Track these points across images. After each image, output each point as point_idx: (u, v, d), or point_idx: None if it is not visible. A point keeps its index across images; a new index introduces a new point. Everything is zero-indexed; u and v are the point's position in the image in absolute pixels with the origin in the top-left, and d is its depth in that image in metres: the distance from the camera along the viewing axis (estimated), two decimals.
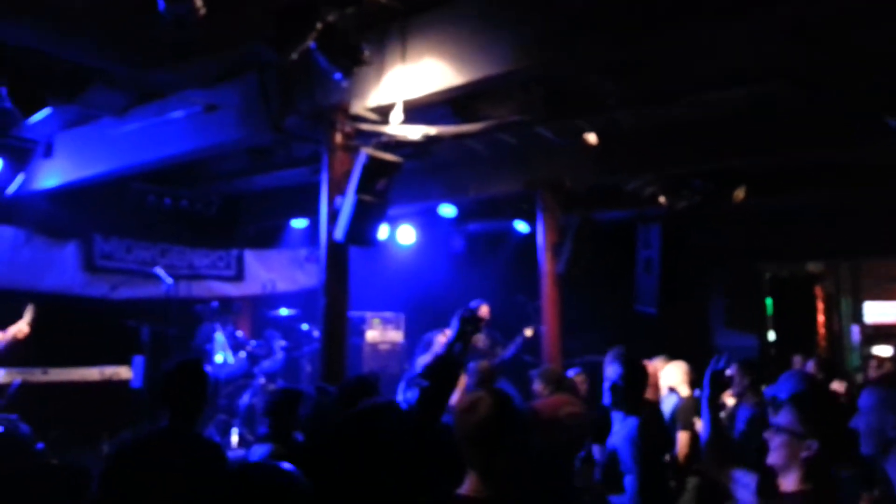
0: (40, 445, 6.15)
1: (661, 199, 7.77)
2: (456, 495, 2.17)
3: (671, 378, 5.72)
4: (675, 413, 5.15)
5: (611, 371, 3.98)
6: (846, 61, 5.19)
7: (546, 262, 7.57)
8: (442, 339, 8.36)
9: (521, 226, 9.47)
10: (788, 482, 2.33)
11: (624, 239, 8.70)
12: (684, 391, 5.61)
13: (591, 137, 6.28)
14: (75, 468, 3.27)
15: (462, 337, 2.74)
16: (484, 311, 8.73)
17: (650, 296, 8.10)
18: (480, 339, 8.45)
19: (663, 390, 5.55)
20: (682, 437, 4.93)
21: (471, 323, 2.81)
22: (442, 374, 2.66)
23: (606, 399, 3.87)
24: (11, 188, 7.92)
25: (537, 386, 5.03)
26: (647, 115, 6.61)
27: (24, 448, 5.90)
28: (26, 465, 5.62)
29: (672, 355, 6.37)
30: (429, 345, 8.43)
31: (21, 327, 6.13)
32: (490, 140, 7.31)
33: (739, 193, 7.69)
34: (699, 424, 5.58)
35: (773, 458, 2.36)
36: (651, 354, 6.47)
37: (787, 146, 6.66)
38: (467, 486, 2.18)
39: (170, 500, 2.91)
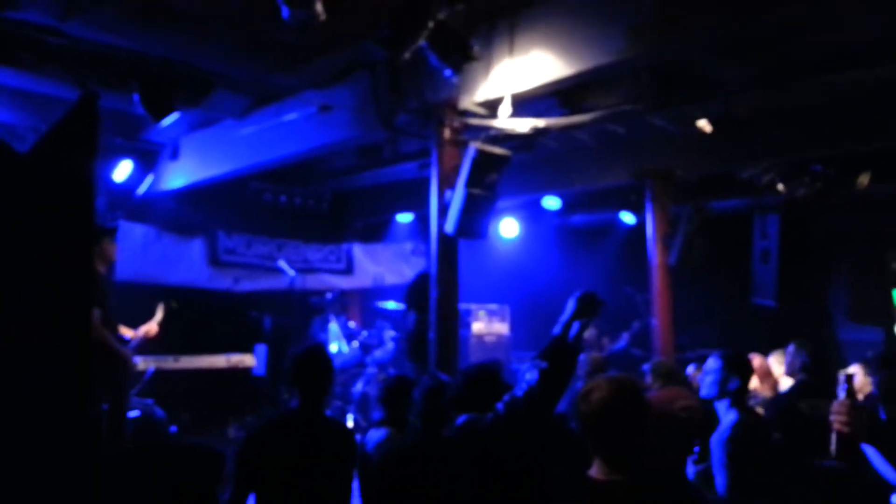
0: (173, 428, 6.59)
1: (780, 187, 7.43)
2: (586, 477, 2.22)
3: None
4: None
5: (712, 363, 3.86)
6: None
7: (656, 254, 7.40)
8: None
9: (628, 217, 9.29)
10: None
11: (738, 229, 8.38)
12: None
13: (705, 124, 6.06)
14: (210, 449, 3.50)
15: (577, 317, 2.66)
16: None
17: (768, 288, 7.78)
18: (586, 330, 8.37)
19: (783, 381, 5.36)
20: None
21: (586, 304, 2.70)
22: (559, 355, 2.63)
23: (708, 390, 3.72)
24: (141, 189, 8.49)
25: (648, 380, 4.96)
26: (764, 100, 6.33)
27: (160, 431, 6.33)
28: (163, 446, 6.02)
29: None
30: None
31: (152, 326, 6.41)
32: (596, 130, 7.19)
33: (864, 179, 7.24)
34: None
35: None
36: (768, 349, 6.24)
37: None
38: (595, 469, 2.23)
39: (306, 477, 3.09)
